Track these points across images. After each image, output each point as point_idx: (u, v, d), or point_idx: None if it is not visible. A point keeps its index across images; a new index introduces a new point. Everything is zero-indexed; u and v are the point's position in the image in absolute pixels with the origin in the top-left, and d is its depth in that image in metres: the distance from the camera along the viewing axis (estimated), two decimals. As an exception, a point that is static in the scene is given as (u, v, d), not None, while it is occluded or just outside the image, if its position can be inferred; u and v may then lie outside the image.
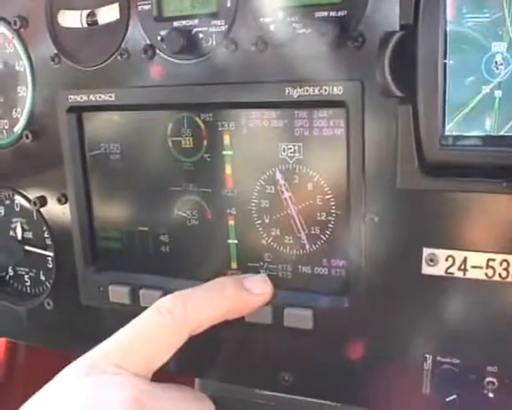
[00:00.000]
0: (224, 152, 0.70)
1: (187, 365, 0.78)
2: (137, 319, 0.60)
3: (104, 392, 0.53)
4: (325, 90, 0.62)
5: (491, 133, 0.57)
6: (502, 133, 0.57)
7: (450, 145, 0.58)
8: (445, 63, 0.57)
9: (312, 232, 0.68)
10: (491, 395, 0.64)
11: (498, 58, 0.56)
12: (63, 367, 0.59)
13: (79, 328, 0.84)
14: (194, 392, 0.63)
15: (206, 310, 0.62)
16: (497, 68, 0.56)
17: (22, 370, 1.16)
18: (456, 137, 0.58)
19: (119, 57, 0.72)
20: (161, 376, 0.90)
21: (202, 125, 0.71)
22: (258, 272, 0.72)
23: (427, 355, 0.66)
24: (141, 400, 0.53)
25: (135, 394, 0.53)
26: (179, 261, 0.75)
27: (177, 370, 0.79)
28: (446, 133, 0.58)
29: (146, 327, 0.59)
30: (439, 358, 0.65)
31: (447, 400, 0.65)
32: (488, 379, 0.63)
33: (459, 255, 0.62)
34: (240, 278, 0.67)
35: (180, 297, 0.62)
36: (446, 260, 0.62)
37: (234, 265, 0.73)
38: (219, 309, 0.63)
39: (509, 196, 0.58)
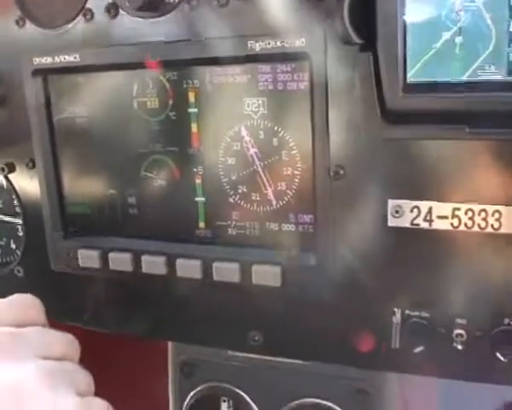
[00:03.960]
0: (190, 110, 0.69)
1: (157, 329, 0.78)
2: None
3: None
4: (287, 43, 0.62)
5: (454, 79, 0.57)
6: (464, 79, 0.56)
7: (412, 92, 0.58)
8: (405, 9, 0.56)
9: (279, 188, 0.68)
10: (459, 347, 0.63)
11: (457, 4, 0.55)
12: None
13: (50, 294, 0.83)
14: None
15: None
16: (457, 14, 0.55)
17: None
18: (419, 85, 0.58)
19: (82, 18, 0.71)
20: (133, 341, 0.91)
21: (167, 84, 0.70)
22: (226, 231, 0.71)
23: (396, 309, 0.65)
24: None
25: None
26: (148, 223, 0.75)
27: (149, 335, 0.79)
28: (408, 80, 0.58)
29: None
30: (407, 312, 0.65)
31: (415, 351, 0.64)
32: (457, 331, 0.63)
33: (424, 206, 0.61)
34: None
35: None
36: (411, 211, 0.62)
37: (202, 224, 0.72)
38: None
39: (472, 143, 0.58)
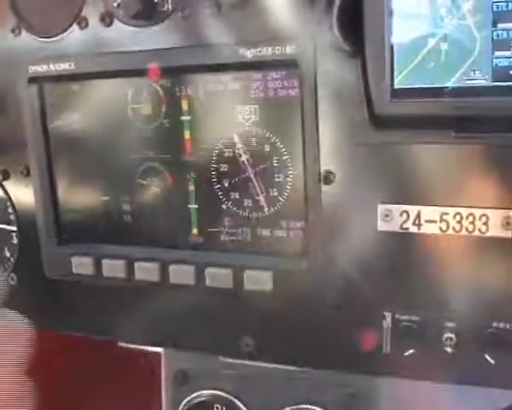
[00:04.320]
0: (183, 117, 0.70)
1: (151, 336, 0.78)
2: None
3: None
4: (278, 50, 0.63)
5: (440, 85, 0.58)
6: (450, 85, 0.57)
7: (399, 98, 0.59)
8: (392, 17, 0.57)
9: (271, 194, 0.68)
10: (449, 350, 0.64)
11: (443, 10, 0.57)
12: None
13: (43, 302, 0.84)
14: None
15: None
16: (443, 20, 0.57)
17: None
18: (406, 90, 0.59)
19: (77, 26, 0.72)
20: (126, 349, 0.91)
21: (161, 91, 0.71)
22: (219, 237, 0.72)
23: (386, 313, 0.66)
24: None
25: None
26: (141, 230, 0.75)
27: (142, 341, 0.80)
28: (396, 86, 0.59)
29: None
30: (397, 316, 0.65)
31: (405, 354, 0.65)
32: (447, 335, 0.64)
33: (413, 210, 0.62)
34: None
35: None
36: (401, 215, 0.63)
37: (195, 231, 0.73)
38: None
39: (459, 148, 0.59)
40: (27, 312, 0.86)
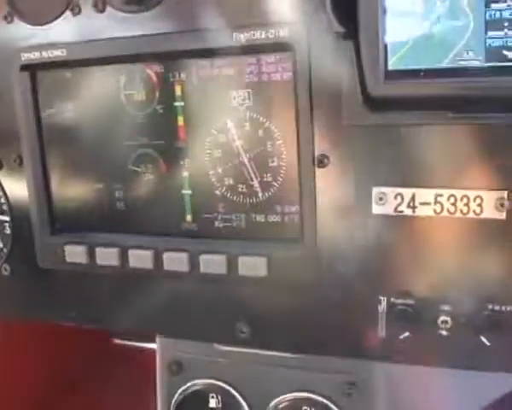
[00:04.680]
0: (176, 103, 0.70)
1: (145, 324, 0.78)
2: None
3: None
4: (271, 33, 0.63)
5: (433, 66, 0.58)
6: (443, 66, 0.57)
7: (393, 79, 0.59)
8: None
9: (265, 179, 0.68)
10: (445, 333, 0.64)
11: (437, -8, 0.57)
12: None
13: (37, 292, 0.83)
14: None
15: None
16: (436, 3, 0.57)
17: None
18: (400, 72, 0.59)
19: (70, 12, 0.72)
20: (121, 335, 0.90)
21: (154, 77, 0.71)
22: (213, 223, 0.72)
23: (382, 298, 0.66)
24: None
25: None
26: (135, 217, 0.75)
27: (137, 327, 0.79)
28: (390, 68, 0.59)
29: None
30: (393, 300, 0.65)
31: (401, 337, 0.64)
32: (442, 318, 0.64)
33: (407, 192, 0.62)
34: None
35: None
36: (395, 198, 0.63)
37: (189, 217, 0.73)
38: None
39: (453, 129, 0.59)
40: (21, 302, 0.86)
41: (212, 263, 0.70)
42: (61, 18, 0.73)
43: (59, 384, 1.25)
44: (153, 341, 0.91)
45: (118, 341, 1.42)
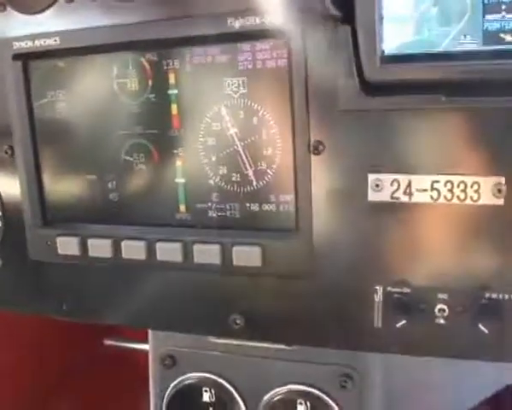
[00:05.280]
0: (170, 91, 0.69)
1: (138, 317, 0.77)
2: None
3: None
4: (266, 19, 0.62)
5: (430, 50, 0.57)
6: (440, 49, 0.57)
7: (390, 63, 0.58)
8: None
9: (259, 168, 0.67)
10: (442, 322, 0.63)
11: (433, -26, 0.56)
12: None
13: (29, 285, 0.82)
14: None
15: None
16: (433, -15, 0.56)
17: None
18: (396, 56, 0.58)
19: (63, 1, 0.71)
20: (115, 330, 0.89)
21: (147, 65, 0.70)
22: (207, 213, 0.71)
23: (378, 287, 0.65)
24: None
25: None
26: (128, 208, 0.74)
27: (129, 323, 0.78)
28: (386, 52, 0.58)
29: None
30: (389, 288, 0.64)
31: (398, 326, 0.64)
32: (439, 307, 0.63)
33: (404, 179, 0.61)
34: None
35: None
36: (391, 184, 0.62)
37: (182, 207, 0.72)
38: None
39: (449, 114, 0.58)
40: (12, 294, 0.85)
41: (206, 253, 0.69)
42: (54, 6, 0.72)
43: (48, 385, 1.24)
44: (145, 341, 0.90)
45: (109, 342, 1.40)
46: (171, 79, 0.69)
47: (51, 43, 0.71)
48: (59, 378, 1.27)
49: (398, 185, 0.62)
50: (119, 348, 1.38)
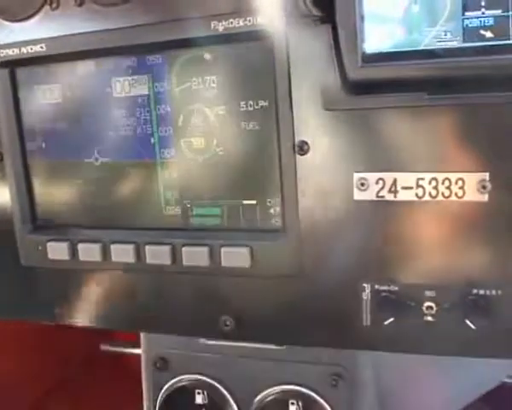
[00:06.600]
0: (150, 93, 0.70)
1: (129, 321, 0.77)
2: None
3: None
4: (249, 21, 0.62)
5: (411, 48, 0.58)
6: (421, 47, 0.57)
7: (371, 62, 0.58)
8: (362, -19, 0.57)
9: (245, 169, 0.68)
10: (430, 319, 0.63)
11: (414, -30, 0.57)
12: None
13: (20, 291, 0.83)
14: None
15: None
16: (413, -18, 0.57)
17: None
18: (377, 54, 0.58)
19: (48, 7, 0.71)
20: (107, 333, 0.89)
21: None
22: (194, 215, 0.71)
23: (365, 285, 0.65)
24: None
25: None
26: (116, 212, 0.74)
27: (120, 327, 0.78)
28: (367, 51, 0.59)
29: None
30: (377, 286, 0.64)
31: (386, 324, 0.64)
32: (427, 304, 0.63)
33: (389, 177, 0.61)
34: None
35: None
36: (377, 183, 0.62)
37: (171, 210, 0.72)
38: None
39: (433, 111, 0.59)
40: (4, 301, 0.85)
41: (195, 255, 0.69)
42: (40, 13, 0.72)
43: (44, 390, 1.24)
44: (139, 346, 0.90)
45: (105, 347, 1.41)
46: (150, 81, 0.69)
47: (38, 49, 0.72)
48: (55, 384, 1.27)
49: (384, 184, 0.62)
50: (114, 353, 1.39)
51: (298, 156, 0.64)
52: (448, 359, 0.69)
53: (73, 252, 0.75)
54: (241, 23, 0.63)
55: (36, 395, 1.21)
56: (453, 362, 0.72)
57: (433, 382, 0.79)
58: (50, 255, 0.77)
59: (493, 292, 0.60)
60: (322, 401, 0.76)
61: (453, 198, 0.60)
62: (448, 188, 0.60)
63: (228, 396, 0.80)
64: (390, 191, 0.62)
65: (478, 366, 0.75)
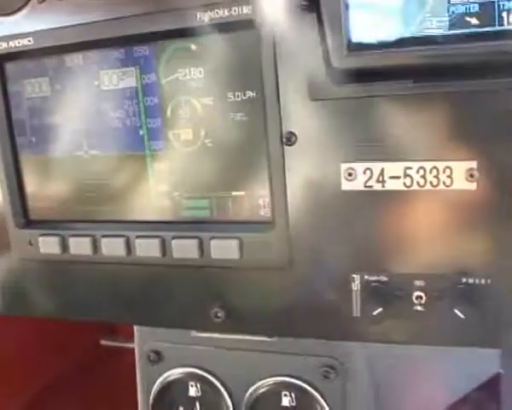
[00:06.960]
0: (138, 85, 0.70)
1: (120, 314, 0.77)
2: None
3: None
4: (235, 11, 0.62)
5: (397, 36, 0.57)
6: (407, 35, 0.57)
7: (356, 51, 0.58)
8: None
9: (232, 160, 0.68)
10: (420, 309, 0.63)
11: (397, -41, 0.56)
12: None
13: (12, 286, 0.83)
14: None
15: None
16: (398, -30, 0.56)
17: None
18: (363, 43, 0.58)
19: (35, 0, 0.71)
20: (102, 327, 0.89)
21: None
22: (184, 208, 0.71)
23: (355, 275, 0.65)
24: None
25: None
26: (107, 204, 0.74)
27: (113, 320, 0.78)
28: (353, 40, 0.58)
29: None
30: (366, 277, 0.64)
31: (375, 314, 0.63)
32: (416, 294, 0.63)
33: (376, 167, 0.61)
34: None
35: None
36: (364, 173, 0.62)
37: (160, 202, 0.72)
38: None
39: (419, 99, 0.58)
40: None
41: (185, 247, 0.69)
42: (27, 7, 0.72)
43: (44, 386, 1.25)
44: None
45: (105, 342, 1.41)
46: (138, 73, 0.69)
47: (25, 43, 0.72)
48: (55, 379, 1.28)
49: (371, 174, 0.62)
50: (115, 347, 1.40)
51: (286, 147, 0.64)
52: (442, 348, 0.68)
53: (64, 246, 0.75)
54: (227, 13, 0.62)
55: (33, 390, 1.22)
56: (448, 352, 0.71)
57: (427, 372, 0.79)
58: (42, 250, 0.77)
59: (482, 281, 0.60)
60: (314, 392, 0.76)
61: (441, 187, 0.60)
62: (436, 177, 0.59)
63: (221, 388, 0.80)
64: (378, 181, 0.62)
65: (474, 356, 0.75)
